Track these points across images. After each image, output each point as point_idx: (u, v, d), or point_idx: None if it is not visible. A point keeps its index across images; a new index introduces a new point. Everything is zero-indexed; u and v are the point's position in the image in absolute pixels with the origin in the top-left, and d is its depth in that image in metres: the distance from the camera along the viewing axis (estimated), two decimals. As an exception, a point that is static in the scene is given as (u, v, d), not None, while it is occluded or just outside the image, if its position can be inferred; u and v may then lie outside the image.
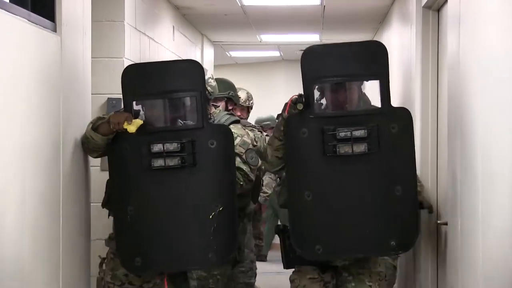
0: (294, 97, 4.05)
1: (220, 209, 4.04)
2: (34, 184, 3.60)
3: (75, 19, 4.23)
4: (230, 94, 5.67)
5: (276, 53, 11.85)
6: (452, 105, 3.88)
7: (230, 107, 5.67)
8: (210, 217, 4.03)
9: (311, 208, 4.04)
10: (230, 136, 4.15)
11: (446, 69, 4.25)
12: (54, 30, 3.94)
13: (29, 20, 3.59)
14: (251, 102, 6.59)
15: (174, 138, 4.06)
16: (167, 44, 7.43)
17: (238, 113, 6.04)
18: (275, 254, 11.78)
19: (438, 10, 5.13)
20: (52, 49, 3.88)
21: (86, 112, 4.46)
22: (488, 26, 3.20)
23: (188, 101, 4.20)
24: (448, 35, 4.07)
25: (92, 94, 4.61)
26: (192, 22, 8.93)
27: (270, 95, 11.75)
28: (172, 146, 4.04)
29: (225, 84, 5.69)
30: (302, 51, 4.11)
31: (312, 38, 10.03)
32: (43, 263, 3.72)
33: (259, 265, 7.49)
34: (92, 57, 4.60)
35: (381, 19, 8.53)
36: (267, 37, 10.23)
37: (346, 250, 4.10)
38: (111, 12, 5.80)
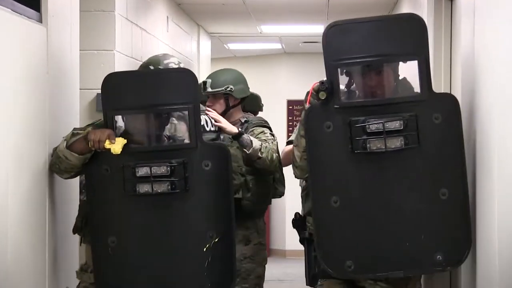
0: (316, 84, 3.66)
1: (216, 240, 3.80)
2: (18, 186, 3.60)
3: (62, 9, 4.23)
4: (228, 89, 4.94)
5: (277, 46, 11.83)
6: (467, 100, 3.87)
7: (232, 104, 5.00)
8: (204, 249, 3.80)
9: (339, 216, 3.66)
10: (227, 156, 3.85)
11: (460, 61, 4.24)
12: (40, 20, 3.94)
13: (12, 10, 3.59)
14: None
15: (163, 159, 3.78)
16: (161, 35, 7.43)
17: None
18: (277, 259, 11.84)
19: (451, -2, 5.13)
20: (37, 41, 3.88)
21: (74, 108, 4.46)
22: (505, 16, 3.20)
23: (178, 116, 3.93)
24: (462, 25, 4.06)
25: (80, 89, 4.61)
26: (188, 12, 8.93)
27: (271, 91, 11.74)
28: (160, 170, 3.75)
29: (225, 76, 5.03)
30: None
31: (316, 29, 10.01)
32: (28, 269, 3.72)
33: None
34: (80, 50, 4.61)
35: (391, 8, 8.52)
36: (268, 28, 10.22)
37: (382, 267, 3.65)
38: (100, 2, 5.80)
